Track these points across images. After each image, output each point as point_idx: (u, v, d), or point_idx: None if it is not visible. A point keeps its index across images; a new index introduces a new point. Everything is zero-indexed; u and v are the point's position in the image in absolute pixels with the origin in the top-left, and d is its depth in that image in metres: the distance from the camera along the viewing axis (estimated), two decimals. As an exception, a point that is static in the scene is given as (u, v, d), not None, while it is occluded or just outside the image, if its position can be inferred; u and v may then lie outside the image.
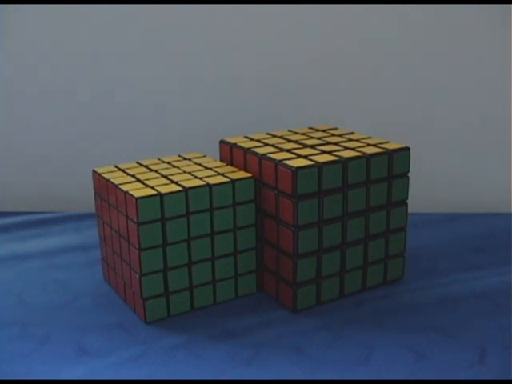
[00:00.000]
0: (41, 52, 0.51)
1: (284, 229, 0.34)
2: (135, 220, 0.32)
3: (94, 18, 0.50)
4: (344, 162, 0.34)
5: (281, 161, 0.34)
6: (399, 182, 0.36)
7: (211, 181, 0.34)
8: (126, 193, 0.33)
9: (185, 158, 0.39)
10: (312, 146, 0.36)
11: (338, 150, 0.35)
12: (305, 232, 0.33)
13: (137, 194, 0.32)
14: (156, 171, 0.36)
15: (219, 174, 0.35)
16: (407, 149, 0.36)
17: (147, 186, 0.34)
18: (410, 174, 0.37)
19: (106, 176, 0.36)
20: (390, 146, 0.36)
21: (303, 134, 0.40)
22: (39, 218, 0.49)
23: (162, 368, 0.30)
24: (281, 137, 0.39)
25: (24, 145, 0.53)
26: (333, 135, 0.39)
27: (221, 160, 0.39)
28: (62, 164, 0.53)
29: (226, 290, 0.36)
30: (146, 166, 0.37)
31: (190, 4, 0.49)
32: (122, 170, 0.37)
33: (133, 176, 0.35)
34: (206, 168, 0.37)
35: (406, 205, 0.37)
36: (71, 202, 0.53)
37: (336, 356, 0.31)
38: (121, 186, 0.34)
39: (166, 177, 0.35)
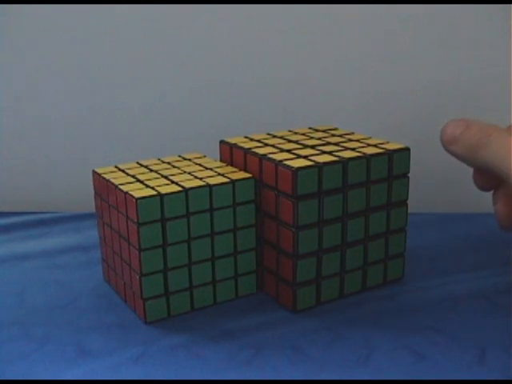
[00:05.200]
0: (41, 52, 0.51)
1: (284, 229, 0.34)
2: (135, 220, 0.32)
3: (94, 18, 0.50)
4: (344, 162, 0.34)
5: (281, 161, 0.34)
6: (399, 182, 0.36)
7: (211, 181, 0.34)
8: (126, 193, 0.33)
9: (185, 159, 0.39)
10: (312, 147, 0.36)
11: (338, 151, 0.35)
12: (305, 232, 0.33)
13: (137, 194, 0.32)
14: (156, 171, 0.36)
15: (219, 174, 0.35)
16: (407, 149, 0.36)
17: (147, 186, 0.34)
18: (409, 174, 0.37)
19: (106, 176, 0.36)
20: (390, 146, 0.36)
21: (303, 134, 0.40)
22: (39, 218, 0.49)
23: (161, 368, 0.30)
24: (281, 137, 0.39)
25: (24, 145, 0.53)
26: (333, 135, 0.39)
27: (221, 160, 0.39)
28: (61, 164, 0.53)
29: (226, 290, 0.36)
30: (146, 167, 0.37)
31: (189, 4, 0.49)
32: (122, 171, 0.37)
33: (133, 176, 0.35)
34: (206, 168, 0.37)
35: (406, 205, 0.37)
36: (71, 202, 0.53)
37: (336, 356, 0.31)
38: (121, 187, 0.34)
39: (166, 177, 0.35)
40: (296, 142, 0.37)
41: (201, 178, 0.35)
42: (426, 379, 0.29)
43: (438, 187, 0.52)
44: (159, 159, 0.39)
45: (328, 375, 0.29)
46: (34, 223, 0.48)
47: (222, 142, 0.39)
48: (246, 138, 0.39)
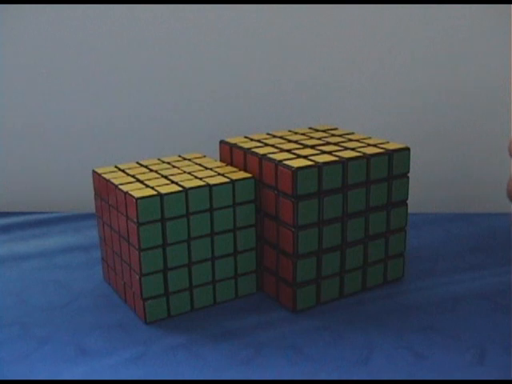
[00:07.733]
0: (41, 52, 0.51)
1: (284, 229, 0.34)
2: (135, 220, 0.32)
3: (93, 19, 0.50)
4: (344, 162, 0.34)
5: (281, 161, 0.34)
6: (399, 182, 0.36)
7: (211, 181, 0.34)
8: (126, 193, 0.33)
9: (185, 159, 0.39)
10: (312, 147, 0.36)
11: (338, 150, 0.35)
12: (305, 232, 0.33)
13: (137, 194, 0.32)
14: (156, 171, 0.36)
15: (219, 174, 0.35)
16: (407, 149, 0.36)
17: (147, 186, 0.34)
18: (409, 174, 0.37)
19: (106, 176, 0.36)
20: (390, 146, 0.36)
21: (303, 134, 0.40)
22: (39, 218, 0.49)
23: (161, 368, 0.30)
24: (281, 137, 0.39)
25: (24, 145, 0.53)
26: (333, 135, 0.39)
27: (221, 160, 0.39)
28: (62, 164, 0.53)
29: (226, 290, 0.36)
30: (146, 167, 0.37)
31: (188, 4, 0.49)
32: (122, 171, 0.37)
33: (133, 176, 0.35)
34: (206, 168, 0.37)
35: (406, 205, 0.37)
36: (71, 202, 0.53)
37: (336, 356, 0.31)
38: (121, 187, 0.34)
39: (166, 177, 0.35)
40: (296, 142, 0.37)
41: (201, 178, 0.35)
42: (426, 379, 0.29)
43: (437, 187, 0.52)
44: (159, 159, 0.39)
45: (328, 375, 0.29)
46: (34, 223, 0.49)
47: (222, 142, 0.39)
48: (246, 138, 0.39)
